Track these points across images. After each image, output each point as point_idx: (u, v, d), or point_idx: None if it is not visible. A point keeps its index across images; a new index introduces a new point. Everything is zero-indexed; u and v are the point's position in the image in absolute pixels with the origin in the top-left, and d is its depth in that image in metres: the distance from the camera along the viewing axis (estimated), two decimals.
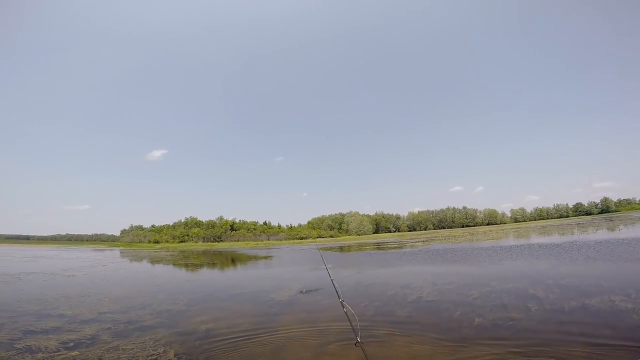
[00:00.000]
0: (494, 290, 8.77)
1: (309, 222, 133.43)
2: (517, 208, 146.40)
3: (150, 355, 5.55)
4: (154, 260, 32.75)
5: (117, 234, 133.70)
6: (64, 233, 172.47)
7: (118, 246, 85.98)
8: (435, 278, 11.99)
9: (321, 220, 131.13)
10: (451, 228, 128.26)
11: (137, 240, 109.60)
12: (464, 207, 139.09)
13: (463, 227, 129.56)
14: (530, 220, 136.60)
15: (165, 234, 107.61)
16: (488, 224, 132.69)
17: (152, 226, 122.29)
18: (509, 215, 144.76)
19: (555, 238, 28.44)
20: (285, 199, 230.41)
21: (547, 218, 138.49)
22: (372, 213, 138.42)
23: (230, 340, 6.18)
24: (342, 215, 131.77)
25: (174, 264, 27.36)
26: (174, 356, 5.48)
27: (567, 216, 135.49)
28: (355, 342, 2.97)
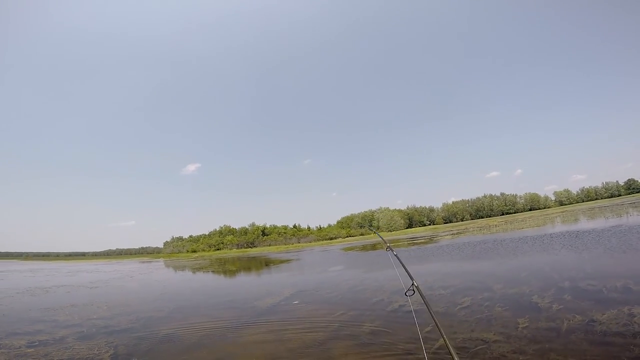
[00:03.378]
0: (493, 297, 7.35)
1: (338, 222, 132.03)
2: (562, 190, 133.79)
3: (89, 355, 6.34)
4: (179, 269, 33.88)
5: (161, 245, 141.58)
6: (114, 248, 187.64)
7: (159, 257, 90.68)
8: (436, 280, 10.65)
9: (350, 219, 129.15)
10: (490, 217, 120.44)
11: (177, 250, 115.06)
12: (502, 194, 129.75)
13: (503, 214, 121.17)
14: (576, 203, 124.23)
15: (202, 243, 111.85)
16: (530, 210, 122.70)
17: (190, 236, 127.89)
18: (553, 198, 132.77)
19: (599, 222, 25.03)
20: (315, 200, 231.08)
21: (596, 199, 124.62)
22: (404, 208, 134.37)
23: (177, 346, 6.74)
24: (372, 212, 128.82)
25: (194, 272, 27.93)
26: (109, 357, 6.18)
27: (619, 195, 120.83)
28: None
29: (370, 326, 6.61)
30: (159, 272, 29.17)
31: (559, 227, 25.87)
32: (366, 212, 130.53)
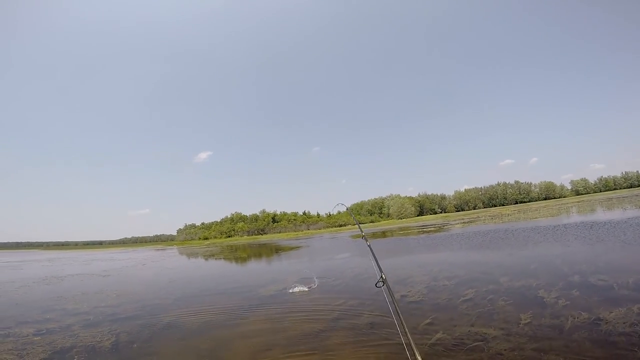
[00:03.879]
0: (498, 289, 7.14)
1: (348, 209, 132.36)
2: (579, 179, 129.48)
3: (91, 342, 6.50)
4: (194, 256, 34.73)
5: (175, 233, 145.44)
6: (130, 236, 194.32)
7: (172, 245, 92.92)
8: (442, 270, 10.49)
9: (360, 206, 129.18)
10: (503, 205, 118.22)
11: (190, 238, 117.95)
12: (517, 182, 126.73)
13: (517, 203, 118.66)
14: (594, 192, 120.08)
15: (214, 230, 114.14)
16: (545, 199, 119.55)
17: (202, 224, 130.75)
18: (569, 187, 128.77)
19: (616, 214, 24.10)
20: (325, 187, 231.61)
21: (615, 189, 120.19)
22: (415, 195, 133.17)
23: (177, 333, 6.87)
24: (382, 199, 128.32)
25: (204, 259, 28.55)
26: (110, 344, 6.34)
27: (639, 185, 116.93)
28: None
29: (369, 316, 6.55)
30: (170, 260, 29.91)
31: (574, 218, 25.09)
32: (376, 199, 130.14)
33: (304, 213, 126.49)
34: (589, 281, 6.70)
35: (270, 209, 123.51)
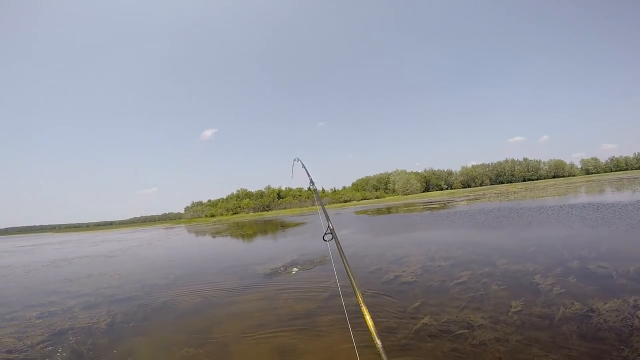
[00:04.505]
0: (493, 272, 7.01)
1: (353, 184, 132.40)
2: (589, 158, 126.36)
3: (88, 323, 6.68)
4: (199, 234, 35.41)
5: (182, 211, 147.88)
6: (139, 216, 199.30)
7: (180, 223, 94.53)
8: (439, 250, 10.41)
9: (365, 181, 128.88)
10: (510, 182, 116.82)
11: (197, 215, 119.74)
12: (525, 159, 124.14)
13: (524, 181, 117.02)
14: (604, 172, 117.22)
15: (220, 207, 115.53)
16: (554, 177, 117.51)
17: (209, 201, 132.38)
18: (579, 166, 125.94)
19: (626, 195, 23.39)
20: (330, 163, 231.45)
21: (626, 169, 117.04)
22: (421, 170, 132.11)
23: (172, 313, 7.02)
24: (388, 175, 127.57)
25: (208, 237, 29.10)
26: (105, 324, 6.51)
27: None
28: None
29: (363, 297, 6.52)
30: (175, 239, 30.46)
31: (581, 198, 24.56)
32: (381, 174, 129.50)
33: (309, 189, 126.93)
34: (588, 268, 6.48)
35: (275, 185, 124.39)
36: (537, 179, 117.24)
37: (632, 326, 3.82)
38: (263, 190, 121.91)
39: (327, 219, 2.89)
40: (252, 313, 6.40)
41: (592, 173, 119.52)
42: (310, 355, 4.34)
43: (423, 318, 4.92)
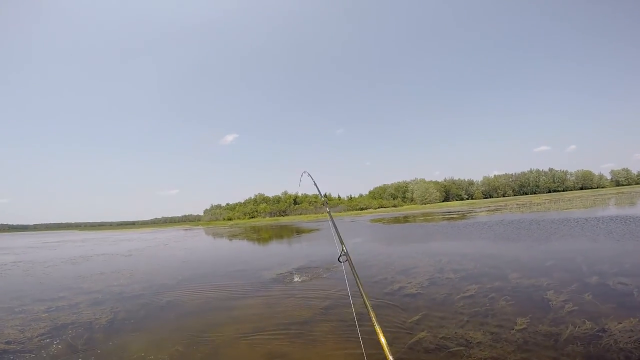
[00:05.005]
0: (504, 287, 6.64)
1: (370, 192, 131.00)
2: (620, 169, 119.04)
3: (89, 319, 6.86)
4: (215, 236, 36.01)
5: (202, 213, 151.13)
6: (160, 217, 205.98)
7: (198, 225, 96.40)
8: (450, 261, 10.03)
9: (383, 189, 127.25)
10: (535, 194, 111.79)
11: (215, 218, 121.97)
12: (551, 169, 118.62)
13: (550, 192, 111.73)
14: (636, 184, 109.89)
15: (238, 211, 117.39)
16: (581, 189, 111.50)
17: (227, 204, 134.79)
18: (609, 177, 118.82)
19: None
20: (347, 170, 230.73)
21: None
22: (441, 180, 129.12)
23: (172, 312, 7.09)
24: (406, 183, 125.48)
25: (223, 240, 29.50)
26: (106, 321, 6.67)
27: None
28: None
29: (361, 307, 6.34)
30: (191, 240, 31.06)
31: (609, 210, 23.07)
32: (399, 183, 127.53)
33: (325, 195, 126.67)
34: (607, 284, 6.02)
35: (292, 191, 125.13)
36: (563, 191, 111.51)
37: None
38: (280, 195, 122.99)
39: (341, 241, 2.87)
40: (251, 317, 6.39)
41: (623, 185, 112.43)
42: None
43: (420, 332, 4.69)
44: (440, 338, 4.43)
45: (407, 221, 33.76)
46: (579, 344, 3.76)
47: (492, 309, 5.38)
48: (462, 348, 4.00)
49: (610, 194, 56.90)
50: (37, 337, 5.92)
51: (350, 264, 2.43)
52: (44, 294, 9.98)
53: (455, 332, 4.53)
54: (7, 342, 5.71)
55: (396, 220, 37.93)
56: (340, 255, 2.65)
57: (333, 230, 3.28)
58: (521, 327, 4.41)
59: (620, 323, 4.14)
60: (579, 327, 4.18)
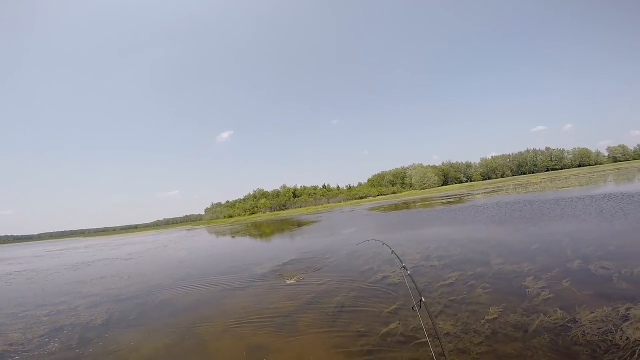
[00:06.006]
0: (485, 273, 6.55)
1: (369, 180, 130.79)
2: (616, 145, 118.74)
3: (86, 320, 7.21)
4: (214, 235, 36.08)
5: (203, 212, 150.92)
6: (162, 218, 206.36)
7: (200, 225, 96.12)
8: (438, 248, 10.01)
9: (381, 176, 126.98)
10: (533, 173, 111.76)
11: (215, 216, 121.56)
12: (547, 148, 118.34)
13: (547, 170, 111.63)
14: (633, 160, 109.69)
15: (238, 208, 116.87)
16: (579, 166, 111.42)
17: (227, 202, 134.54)
18: (606, 154, 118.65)
19: None
20: (345, 160, 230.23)
21: None
22: (438, 164, 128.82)
23: (165, 311, 7.32)
24: (404, 169, 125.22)
25: (223, 238, 29.63)
26: (101, 321, 7.01)
27: None
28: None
29: (343, 298, 6.43)
30: (190, 241, 31.19)
31: (604, 188, 22.97)
32: (397, 169, 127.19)
33: (324, 186, 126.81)
34: (588, 268, 5.90)
35: (290, 184, 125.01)
36: (560, 169, 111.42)
37: (610, 341, 3.36)
38: (279, 189, 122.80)
39: (417, 289, 3.02)
40: (238, 311, 6.58)
41: (620, 160, 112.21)
42: (280, 353, 4.37)
43: (392, 323, 4.68)
44: (410, 328, 4.42)
45: (404, 208, 33.76)
46: (546, 335, 3.67)
47: (468, 298, 5.32)
48: (429, 339, 3.91)
49: (608, 170, 56.74)
50: (37, 338, 6.25)
51: (430, 316, 2.56)
52: (45, 299, 10.18)
53: (427, 322, 4.46)
54: (10, 344, 6.04)
55: (393, 207, 37.94)
56: (415, 303, 2.81)
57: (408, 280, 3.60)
58: (492, 317, 4.35)
59: (592, 312, 4.04)
60: (549, 316, 4.10)
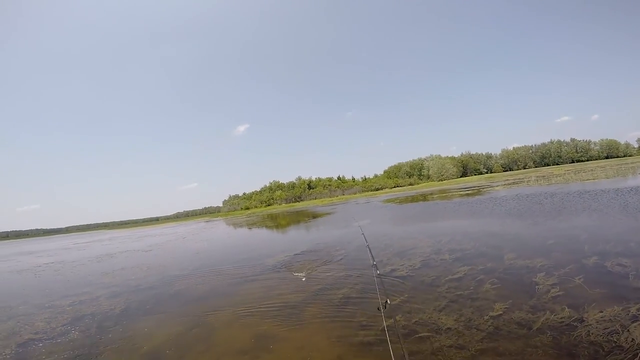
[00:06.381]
0: (495, 268, 6.43)
1: (385, 172, 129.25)
2: None
3: (106, 309, 7.62)
4: (231, 226, 36.86)
5: (221, 204, 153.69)
6: (182, 211, 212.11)
7: (218, 217, 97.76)
8: (450, 241, 9.87)
9: (398, 168, 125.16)
10: (557, 165, 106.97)
11: (233, 208, 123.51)
12: (573, 139, 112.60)
13: (572, 162, 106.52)
14: None
15: (254, 200, 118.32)
16: (606, 158, 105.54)
17: (244, 194, 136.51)
18: (636, 145, 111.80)
19: None
20: (361, 151, 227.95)
21: None
22: (457, 155, 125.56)
23: (179, 300, 7.62)
24: (422, 160, 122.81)
25: (237, 230, 30.24)
26: (120, 310, 7.40)
27: None
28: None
29: (349, 290, 6.52)
30: (208, 232, 31.97)
31: (632, 181, 21.76)
32: (415, 160, 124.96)
33: (339, 178, 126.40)
34: (604, 265, 5.67)
35: (305, 176, 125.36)
36: (586, 160, 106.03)
37: (615, 342, 3.24)
38: (294, 181, 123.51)
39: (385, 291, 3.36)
40: (249, 301, 6.81)
41: None
42: (285, 342, 4.52)
43: (395, 316, 4.72)
44: (412, 322, 4.44)
45: (420, 200, 33.27)
46: (549, 334, 3.59)
47: (475, 293, 5.26)
48: (430, 334, 4.01)
49: (637, 162, 53.56)
50: (60, 327, 6.72)
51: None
52: (69, 290, 10.78)
53: (430, 317, 4.51)
54: (35, 333, 6.52)
55: (410, 199, 37.46)
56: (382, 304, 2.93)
57: None
58: (497, 314, 4.29)
59: (602, 312, 3.89)
60: (556, 315, 3.99)
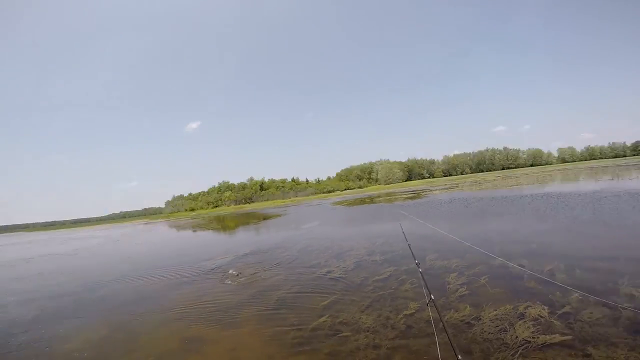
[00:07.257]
0: (415, 270, 6.87)
1: (337, 174, 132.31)
2: (566, 147, 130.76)
3: (17, 317, 7.04)
4: (171, 229, 34.60)
5: (163, 205, 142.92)
6: (118, 211, 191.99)
7: (159, 218, 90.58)
8: (384, 243, 10.49)
9: (349, 171, 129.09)
10: (490, 171, 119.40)
11: (177, 210, 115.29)
12: (505, 148, 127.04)
13: (504, 169, 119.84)
14: (579, 161, 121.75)
15: (200, 201, 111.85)
16: (532, 165, 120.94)
17: (190, 194, 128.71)
18: (556, 155, 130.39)
19: (589, 185, 23.47)
20: (317, 153, 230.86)
21: (600, 158, 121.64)
22: (405, 160, 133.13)
23: (104, 306, 7.22)
24: (372, 164, 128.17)
25: (179, 232, 28.55)
26: (32, 317, 6.88)
27: (624, 156, 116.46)
28: None
29: (285, 293, 6.48)
30: (143, 236, 29.78)
31: (547, 187, 25.03)
32: (365, 164, 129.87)
33: (293, 180, 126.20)
34: (507, 266, 6.12)
35: (259, 177, 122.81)
36: (515, 168, 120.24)
37: (501, 340, 3.62)
38: (245, 182, 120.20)
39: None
40: (178, 306, 6.50)
41: (568, 162, 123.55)
42: (215, 344, 4.44)
43: (323, 317, 4.87)
44: (337, 322, 4.62)
45: (367, 202, 34.57)
46: (450, 332, 3.84)
47: (395, 293, 5.57)
48: (350, 334, 4.20)
49: (555, 170, 61.91)
50: None
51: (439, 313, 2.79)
52: None
53: (353, 317, 4.72)
54: None
55: (358, 201, 38.73)
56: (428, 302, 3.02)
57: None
58: (410, 313, 4.58)
59: (496, 310, 4.31)
60: (458, 313, 4.37)
